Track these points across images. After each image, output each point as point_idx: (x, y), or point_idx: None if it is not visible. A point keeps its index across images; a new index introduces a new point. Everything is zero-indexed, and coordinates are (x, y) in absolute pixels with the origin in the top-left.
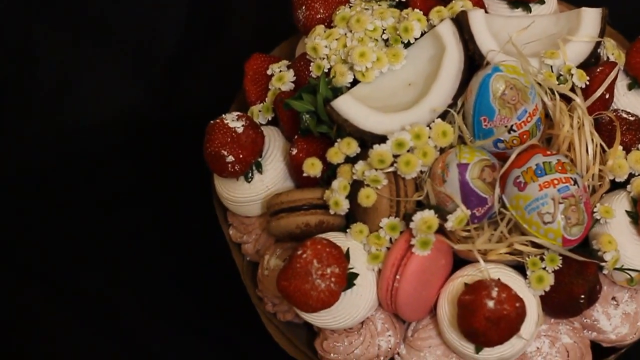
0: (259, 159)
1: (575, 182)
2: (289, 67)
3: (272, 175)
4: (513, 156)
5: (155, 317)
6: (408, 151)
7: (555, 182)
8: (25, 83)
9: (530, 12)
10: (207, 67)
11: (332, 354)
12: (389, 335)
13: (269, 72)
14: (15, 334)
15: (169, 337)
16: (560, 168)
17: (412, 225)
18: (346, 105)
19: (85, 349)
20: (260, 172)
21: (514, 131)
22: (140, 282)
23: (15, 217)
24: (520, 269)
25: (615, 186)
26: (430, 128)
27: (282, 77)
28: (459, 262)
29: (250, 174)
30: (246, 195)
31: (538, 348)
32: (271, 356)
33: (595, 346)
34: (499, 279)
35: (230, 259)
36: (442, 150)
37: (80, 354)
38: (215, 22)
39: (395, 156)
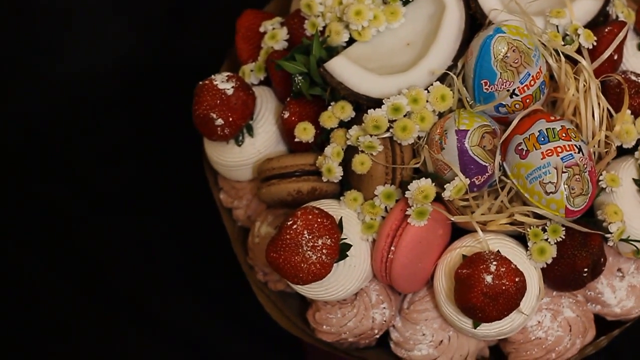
0: (250, 122)
1: (580, 150)
2: (282, 24)
3: (264, 139)
4: (515, 122)
5: (147, 276)
6: (405, 116)
7: (559, 150)
8: (21, 34)
9: None
10: (201, 18)
11: (324, 326)
12: (384, 308)
13: (261, 29)
14: (12, 296)
15: (163, 297)
16: (564, 135)
17: (408, 194)
18: (341, 67)
19: (77, 310)
20: (252, 135)
21: (517, 95)
22: (131, 240)
23: (11, 166)
24: (521, 239)
25: (622, 152)
26: (428, 92)
27: (275, 35)
28: (457, 230)
29: (240, 138)
30: (237, 159)
31: (539, 322)
32: (264, 321)
33: (599, 320)
34: (498, 251)
35: (220, 223)
36: (440, 115)
37: (74, 314)
38: None
39: (391, 121)
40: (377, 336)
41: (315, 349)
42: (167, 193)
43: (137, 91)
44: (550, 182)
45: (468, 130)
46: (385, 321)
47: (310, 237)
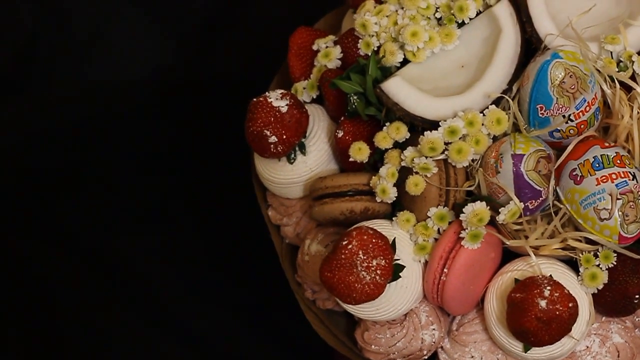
0: (303, 140)
1: (634, 177)
2: (335, 42)
3: (316, 157)
4: (570, 147)
5: (190, 292)
6: (460, 138)
7: (614, 176)
8: (56, 39)
9: None
10: (240, 27)
11: (373, 346)
12: (433, 329)
13: (314, 47)
14: (47, 297)
15: (202, 312)
16: (618, 162)
17: (462, 217)
18: (397, 88)
19: (117, 321)
20: (304, 153)
21: (572, 121)
22: (171, 251)
23: (44, 176)
24: (571, 263)
25: None
26: (484, 115)
27: (328, 53)
28: (508, 254)
29: (293, 155)
30: (288, 177)
31: (587, 347)
32: (309, 339)
33: None
34: (550, 276)
35: (267, 238)
36: (495, 138)
37: (114, 325)
38: None
39: (447, 143)
40: (426, 357)
41: None
42: (199, 205)
43: (170, 101)
44: (604, 208)
45: (524, 154)
46: (434, 342)
47: (364, 257)
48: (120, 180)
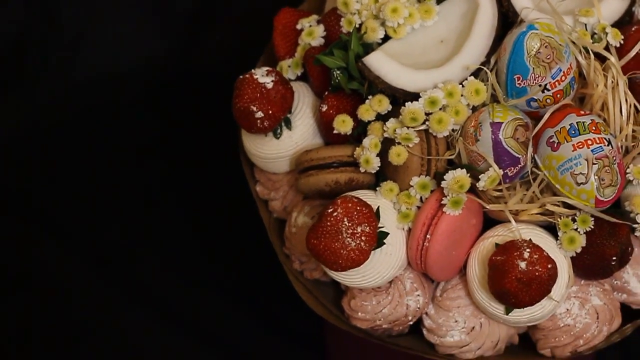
0: (288, 115)
1: (609, 143)
2: (319, 22)
3: (301, 132)
4: (547, 116)
5: (176, 270)
6: (440, 109)
7: (589, 142)
8: (44, 33)
9: None
10: (228, 18)
11: (359, 313)
12: (418, 295)
13: (298, 26)
14: (32, 286)
15: (191, 291)
16: (594, 128)
17: (443, 184)
18: (378, 62)
19: (103, 305)
20: (290, 128)
21: (548, 90)
22: (161, 237)
23: (34, 169)
24: (551, 229)
25: None
26: (463, 86)
27: (312, 32)
28: (489, 221)
29: (279, 130)
30: (275, 151)
31: (568, 309)
32: (298, 314)
33: (625, 308)
34: (530, 239)
35: (256, 216)
36: (474, 109)
37: (99, 311)
38: None
39: (428, 114)
40: (411, 323)
41: (337, 348)
42: (195, 192)
43: (159, 94)
44: (581, 173)
45: (502, 122)
46: (419, 308)
47: (349, 224)
48: (111, 172)
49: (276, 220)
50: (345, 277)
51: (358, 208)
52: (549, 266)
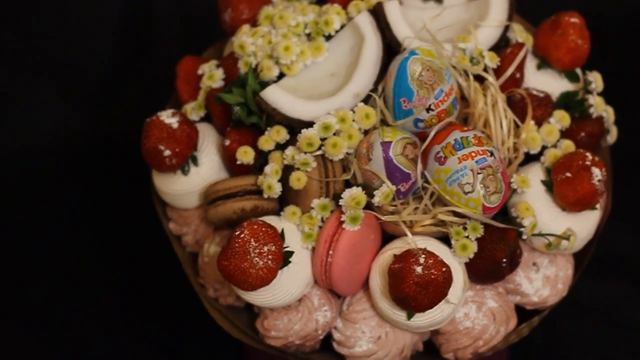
0: (195, 153)
1: (492, 154)
2: (218, 66)
3: (208, 167)
4: (432, 133)
5: (105, 330)
6: (334, 134)
7: (473, 154)
8: None
9: (442, 3)
10: (138, 83)
11: (272, 332)
12: (326, 310)
13: (199, 72)
14: None
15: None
16: (477, 142)
17: (341, 202)
18: (274, 95)
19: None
20: (196, 164)
21: (432, 110)
22: (88, 293)
23: None
24: (446, 240)
25: (530, 159)
26: (354, 112)
27: (212, 75)
28: (388, 238)
29: (186, 167)
30: (184, 187)
31: (466, 313)
32: (216, 341)
33: (520, 309)
34: (425, 248)
35: (172, 256)
36: (366, 132)
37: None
38: (143, 40)
39: (323, 139)
40: (321, 337)
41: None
42: (111, 252)
43: (75, 163)
44: (467, 182)
45: (392, 141)
46: (327, 322)
47: (256, 244)
48: (30, 235)
49: (190, 254)
50: (257, 297)
51: (263, 229)
52: (444, 269)
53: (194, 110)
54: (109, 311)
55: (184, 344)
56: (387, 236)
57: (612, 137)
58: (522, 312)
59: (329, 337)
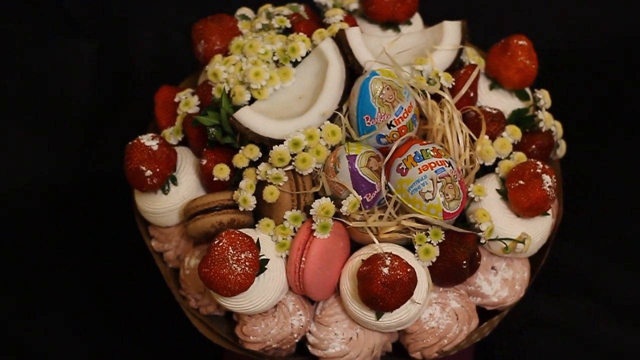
0: (174, 173)
1: (450, 164)
2: (193, 93)
3: (187, 186)
4: (394, 147)
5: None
6: (303, 150)
7: (432, 165)
8: None
9: (400, 32)
10: (119, 124)
11: (251, 337)
12: (300, 315)
13: (176, 99)
14: None
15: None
16: (435, 153)
17: (312, 212)
18: (247, 116)
19: None
20: (176, 184)
21: (393, 126)
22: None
23: None
24: (410, 248)
25: (485, 171)
26: (321, 129)
27: (188, 102)
28: (356, 247)
29: (166, 187)
30: (164, 206)
31: (431, 314)
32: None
33: (481, 310)
34: (391, 252)
35: (155, 272)
36: (332, 149)
37: None
38: (120, 79)
39: (293, 155)
40: (297, 340)
41: None
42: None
43: (58, 205)
44: (428, 191)
45: (357, 154)
46: (302, 326)
47: (234, 252)
48: (24, 275)
49: (172, 270)
50: (236, 304)
51: (240, 238)
52: (409, 270)
53: (172, 134)
54: (97, 327)
55: (168, 353)
56: (356, 245)
57: (561, 150)
58: (484, 313)
59: (304, 341)
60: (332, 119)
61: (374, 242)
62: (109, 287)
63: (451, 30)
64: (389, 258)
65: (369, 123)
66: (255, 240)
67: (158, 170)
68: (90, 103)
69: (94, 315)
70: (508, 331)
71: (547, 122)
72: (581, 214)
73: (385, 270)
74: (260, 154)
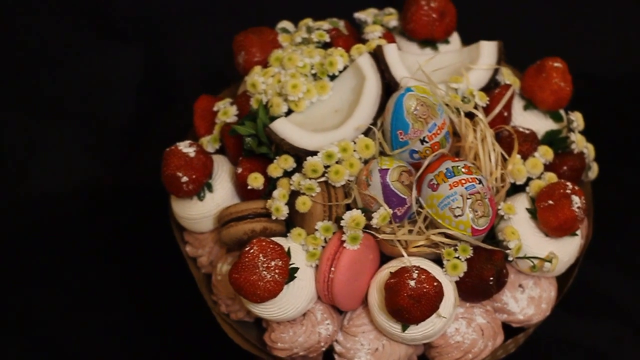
0: (209, 180)
1: (480, 182)
2: (232, 103)
3: (221, 194)
4: (426, 162)
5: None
6: (337, 162)
7: (463, 181)
8: None
9: (437, 50)
10: (160, 132)
11: (279, 344)
12: (328, 324)
13: (215, 108)
14: None
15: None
16: (466, 170)
17: (342, 223)
18: (282, 127)
19: None
20: (211, 191)
21: (426, 142)
22: (114, 317)
23: None
24: (439, 263)
25: (516, 190)
26: (355, 143)
27: (226, 111)
28: (385, 259)
29: (202, 194)
30: (200, 212)
31: (457, 329)
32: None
33: (506, 327)
34: (419, 265)
35: (188, 277)
36: (366, 162)
37: None
38: (163, 89)
39: (326, 167)
40: (324, 349)
41: None
42: (139, 290)
43: (98, 211)
44: (457, 207)
45: (389, 168)
46: (329, 335)
47: (264, 259)
48: (64, 277)
49: (204, 275)
50: (265, 310)
51: (271, 246)
52: (435, 284)
53: (209, 142)
54: (130, 329)
55: (198, 356)
56: (385, 258)
57: (593, 172)
58: (509, 330)
59: (331, 350)
60: (367, 133)
61: (402, 256)
62: (144, 290)
63: (487, 50)
64: (416, 271)
65: (402, 138)
66: (286, 249)
67: (194, 176)
68: (132, 111)
69: (127, 317)
70: (533, 349)
71: (580, 144)
72: (611, 236)
73: (412, 283)
74: (294, 165)
